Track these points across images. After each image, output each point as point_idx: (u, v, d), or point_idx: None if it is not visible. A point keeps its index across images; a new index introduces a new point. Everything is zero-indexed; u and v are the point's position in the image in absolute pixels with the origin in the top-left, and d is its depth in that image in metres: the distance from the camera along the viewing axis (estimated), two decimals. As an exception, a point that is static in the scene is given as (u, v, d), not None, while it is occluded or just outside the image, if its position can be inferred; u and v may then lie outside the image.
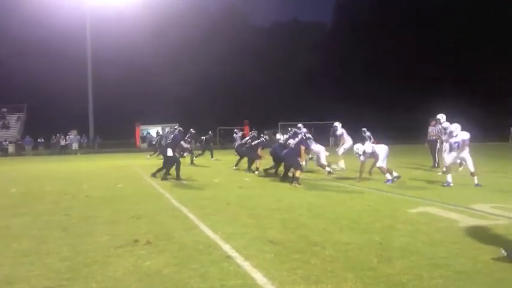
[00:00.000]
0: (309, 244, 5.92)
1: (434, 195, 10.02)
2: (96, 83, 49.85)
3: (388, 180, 12.58)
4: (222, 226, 7.11)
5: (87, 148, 44.01)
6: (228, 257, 5.44)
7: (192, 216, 8.04)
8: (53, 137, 45.30)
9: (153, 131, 50.23)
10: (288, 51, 71.35)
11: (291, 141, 13.39)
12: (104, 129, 52.07)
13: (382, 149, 12.96)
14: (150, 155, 27.33)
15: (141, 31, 59.42)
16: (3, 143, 41.81)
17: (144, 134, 50.15)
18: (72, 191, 12.15)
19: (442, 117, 15.60)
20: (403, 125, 53.83)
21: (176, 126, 15.79)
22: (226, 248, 5.83)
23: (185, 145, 19.72)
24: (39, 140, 45.60)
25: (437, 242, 5.93)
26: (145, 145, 45.54)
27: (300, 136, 13.46)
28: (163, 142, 20.78)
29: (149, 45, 61.93)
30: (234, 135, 31.24)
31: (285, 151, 13.36)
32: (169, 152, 14.41)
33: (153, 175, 15.18)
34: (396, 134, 48.32)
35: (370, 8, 71.22)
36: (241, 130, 33.77)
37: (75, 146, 40.50)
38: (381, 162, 12.84)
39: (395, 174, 12.81)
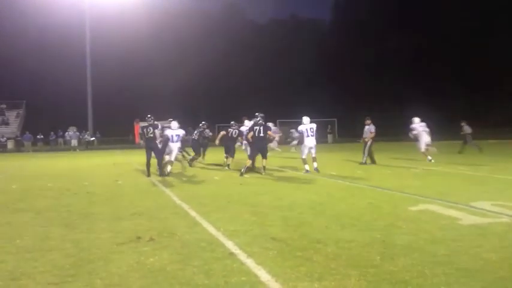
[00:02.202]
0: (311, 241, 5.94)
1: (434, 192, 10.03)
2: (95, 79, 49.79)
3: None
4: (224, 223, 7.13)
5: (86, 144, 43.99)
6: (231, 254, 5.46)
7: (193, 214, 8.06)
8: (52, 133, 45.31)
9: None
10: (286, 48, 71.26)
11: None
12: (103, 126, 52.04)
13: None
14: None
15: (139, 29, 59.34)
16: (1, 139, 41.78)
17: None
18: (73, 188, 12.17)
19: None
20: (400, 123, 53.90)
21: (149, 116, 15.44)
22: (229, 245, 5.84)
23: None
24: (38, 136, 45.61)
25: (439, 239, 5.95)
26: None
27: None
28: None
29: (148, 42, 61.87)
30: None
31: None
32: (159, 145, 14.66)
33: (162, 174, 14.80)
34: (393, 131, 48.43)
35: (368, 8, 71.12)
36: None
37: (74, 142, 40.44)
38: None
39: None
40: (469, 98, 54.25)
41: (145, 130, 14.86)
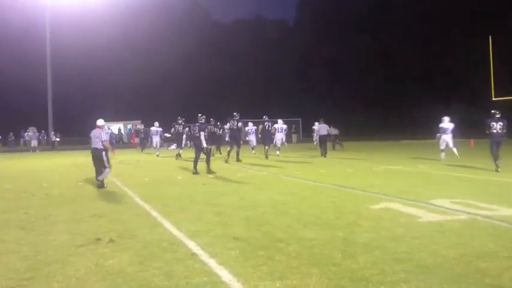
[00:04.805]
0: (273, 241, 5.94)
1: (395, 190, 10.22)
2: (55, 79, 48.63)
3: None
4: (186, 224, 7.07)
5: (46, 145, 43.00)
6: (193, 254, 5.41)
7: (155, 214, 7.96)
8: (11, 133, 44.15)
9: (115, 127, 49.46)
10: (250, 48, 71.31)
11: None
12: (63, 126, 50.95)
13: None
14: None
15: (101, 27, 58.36)
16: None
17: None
18: (31, 189, 11.85)
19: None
20: (363, 122, 54.83)
21: (200, 115, 15.56)
22: (191, 245, 5.80)
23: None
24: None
25: (399, 237, 6.05)
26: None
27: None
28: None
29: (110, 41, 60.90)
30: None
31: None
32: (204, 143, 14.66)
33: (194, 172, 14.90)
34: (356, 131, 49.21)
35: (332, 7, 71.95)
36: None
37: (34, 143, 39.39)
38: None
39: None
40: (428, 99, 55.46)
41: (192, 129, 15.89)
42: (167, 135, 30.47)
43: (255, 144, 25.18)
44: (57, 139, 42.79)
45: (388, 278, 4.48)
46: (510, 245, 5.59)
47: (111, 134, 25.53)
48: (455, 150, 18.03)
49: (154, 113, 49.80)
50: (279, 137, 23.21)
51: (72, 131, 52.22)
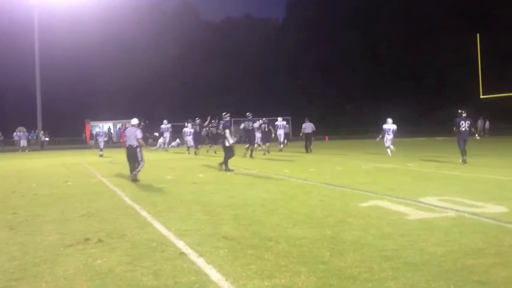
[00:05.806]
0: (262, 240, 5.95)
1: (383, 188, 10.26)
2: (45, 79, 48.23)
3: None
4: (176, 223, 7.07)
5: (35, 145, 42.71)
6: (182, 253, 5.41)
7: (145, 214, 7.95)
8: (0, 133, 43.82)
9: (105, 127, 49.17)
10: (240, 47, 71.19)
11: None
12: (53, 126, 50.63)
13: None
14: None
15: (91, 27, 58.01)
16: None
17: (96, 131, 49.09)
18: (20, 189, 11.79)
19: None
20: (353, 121, 54.99)
21: (224, 113, 15.68)
22: (180, 244, 5.80)
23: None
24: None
25: (387, 234, 6.08)
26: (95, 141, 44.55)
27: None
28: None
29: (100, 41, 60.52)
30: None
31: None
32: (227, 142, 14.94)
33: (225, 169, 15.00)
34: (346, 130, 49.38)
35: (322, 6, 71.96)
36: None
37: (23, 143, 39.06)
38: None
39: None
40: (417, 97, 55.79)
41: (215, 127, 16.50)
42: (156, 134, 31.31)
43: (260, 142, 26.05)
44: (46, 139, 42.59)
45: (375, 276, 4.51)
46: (497, 242, 5.64)
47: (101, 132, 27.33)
48: (392, 147, 20.27)
49: (145, 113, 49.62)
50: (281, 133, 26.38)
51: (61, 130, 51.91)
